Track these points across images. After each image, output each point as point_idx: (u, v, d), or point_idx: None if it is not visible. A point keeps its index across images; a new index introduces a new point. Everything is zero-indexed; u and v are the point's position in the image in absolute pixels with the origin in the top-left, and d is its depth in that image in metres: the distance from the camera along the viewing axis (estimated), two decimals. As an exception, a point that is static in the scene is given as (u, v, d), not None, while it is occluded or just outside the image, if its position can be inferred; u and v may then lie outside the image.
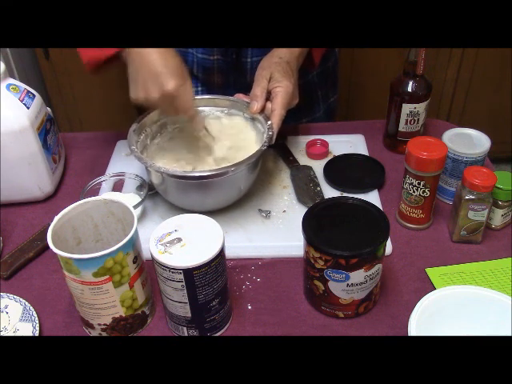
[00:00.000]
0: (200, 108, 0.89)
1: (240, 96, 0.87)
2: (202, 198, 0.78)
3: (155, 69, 0.73)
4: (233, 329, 0.67)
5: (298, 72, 0.87)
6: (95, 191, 0.85)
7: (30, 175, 0.84)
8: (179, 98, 0.74)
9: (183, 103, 0.75)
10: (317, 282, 0.65)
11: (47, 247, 0.63)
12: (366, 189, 0.86)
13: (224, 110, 0.88)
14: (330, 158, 0.94)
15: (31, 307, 0.69)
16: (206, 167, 0.83)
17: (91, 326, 0.65)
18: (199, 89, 1.02)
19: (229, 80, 1.00)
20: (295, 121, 1.06)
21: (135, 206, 0.79)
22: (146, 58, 0.74)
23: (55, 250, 0.58)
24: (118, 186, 0.88)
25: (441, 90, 1.95)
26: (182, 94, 0.74)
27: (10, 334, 0.66)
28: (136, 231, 0.62)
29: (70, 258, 0.57)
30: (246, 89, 0.86)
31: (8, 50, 1.67)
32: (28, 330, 0.66)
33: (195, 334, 0.65)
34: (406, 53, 0.86)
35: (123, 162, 0.94)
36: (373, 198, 0.84)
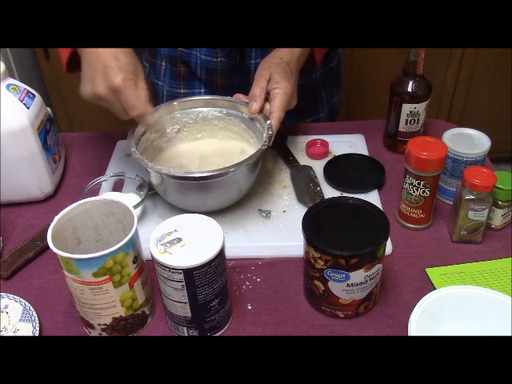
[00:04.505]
0: (199, 108, 0.89)
1: (239, 96, 0.87)
2: (202, 199, 0.78)
3: (104, 63, 0.70)
4: (233, 329, 0.67)
5: (298, 73, 0.87)
6: (95, 191, 0.85)
7: (30, 175, 0.84)
8: (126, 92, 0.71)
9: (130, 99, 0.72)
10: (317, 282, 0.65)
11: (47, 247, 0.63)
12: (366, 189, 0.86)
13: (223, 110, 0.88)
14: (329, 158, 0.94)
15: (31, 307, 0.69)
16: (205, 168, 0.84)
17: (91, 326, 0.65)
18: (202, 90, 1.02)
19: (232, 82, 1.00)
20: (299, 121, 1.06)
21: (135, 206, 0.79)
22: (97, 53, 0.71)
23: (55, 250, 0.58)
24: (117, 186, 0.88)
25: (441, 90, 1.95)
26: (130, 89, 0.71)
27: (10, 334, 0.66)
28: (136, 231, 0.62)
29: (70, 258, 0.57)
30: (249, 91, 0.86)
31: (8, 50, 1.67)
32: (28, 330, 0.66)
33: (195, 334, 0.65)
34: (406, 53, 0.86)
35: (123, 162, 0.94)
36: (373, 198, 0.84)
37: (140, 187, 0.85)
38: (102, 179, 0.86)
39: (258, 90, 0.82)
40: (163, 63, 1.02)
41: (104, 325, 0.64)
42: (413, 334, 0.58)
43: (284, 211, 0.83)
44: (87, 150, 1.00)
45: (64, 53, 0.78)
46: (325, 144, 0.95)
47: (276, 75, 0.82)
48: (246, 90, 0.86)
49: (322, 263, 0.62)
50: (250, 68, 0.97)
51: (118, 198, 0.65)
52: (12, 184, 0.84)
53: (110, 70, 0.70)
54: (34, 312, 0.68)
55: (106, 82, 0.70)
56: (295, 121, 1.05)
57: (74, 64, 0.78)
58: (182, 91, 1.03)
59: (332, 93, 1.12)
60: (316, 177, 0.89)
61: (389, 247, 0.76)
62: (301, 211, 0.79)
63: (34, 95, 0.85)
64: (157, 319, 0.69)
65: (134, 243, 0.61)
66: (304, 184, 0.87)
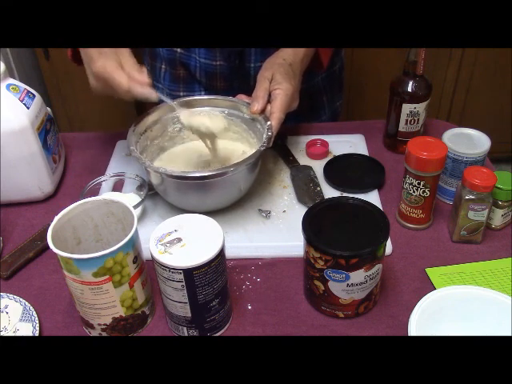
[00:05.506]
0: (200, 108, 0.89)
1: (241, 97, 0.87)
2: (201, 199, 0.78)
3: (88, 59, 0.74)
4: (233, 329, 0.67)
5: (301, 75, 0.86)
6: (95, 191, 0.85)
7: (30, 175, 0.84)
8: (108, 75, 0.72)
9: (115, 79, 0.72)
10: (317, 282, 0.65)
11: (47, 247, 0.63)
12: (366, 189, 0.86)
13: (224, 110, 0.88)
14: (330, 158, 0.94)
15: (31, 307, 0.69)
16: (205, 167, 0.84)
17: (91, 326, 0.65)
18: (202, 93, 1.02)
19: (232, 85, 0.99)
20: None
21: (135, 206, 0.79)
22: (84, 51, 0.75)
23: (55, 250, 0.58)
24: (118, 186, 0.88)
25: (441, 90, 1.95)
26: (112, 71, 0.72)
27: (10, 334, 0.66)
28: (136, 231, 0.62)
29: (70, 258, 0.57)
30: (250, 94, 0.85)
31: (8, 50, 1.67)
32: (28, 330, 0.66)
33: (195, 334, 0.65)
34: (406, 53, 0.86)
35: (123, 162, 0.94)
36: (373, 198, 0.84)
37: (140, 187, 0.85)
38: (102, 179, 0.86)
39: (261, 90, 0.82)
40: (163, 66, 1.02)
41: (104, 325, 0.64)
42: (413, 333, 0.58)
43: (284, 211, 0.83)
44: (87, 150, 1.00)
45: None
46: (325, 144, 0.95)
47: (278, 76, 0.81)
48: (246, 93, 0.86)
49: (322, 263, 0.62)
50: (250, 71, 0.97)
51: (118, 198, 0.65)
52: (12, 184, 0.84)
53: (92, 61, 0.73)
54: (34, 312, 0.68)
55: (92, 72, 0.73)
56: (296, 124, 1.04)
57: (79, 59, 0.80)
58: (181, 94, 1.03)
59: (334, 98, 1.11)
60: (316, 177, 0.89)
61: (389, 247, 0.76)
62: (301, 211, 0.79)
63: (34, 95, 0.85)
64: (157, 319, 0.69)
65: (134, 243, 0.61)
66: (304, 184, 0.87)
